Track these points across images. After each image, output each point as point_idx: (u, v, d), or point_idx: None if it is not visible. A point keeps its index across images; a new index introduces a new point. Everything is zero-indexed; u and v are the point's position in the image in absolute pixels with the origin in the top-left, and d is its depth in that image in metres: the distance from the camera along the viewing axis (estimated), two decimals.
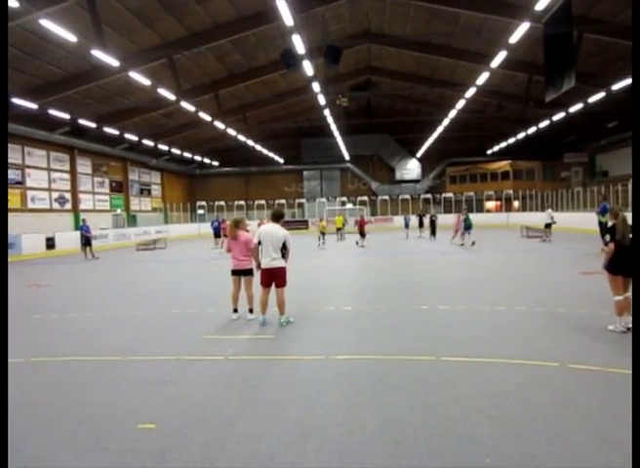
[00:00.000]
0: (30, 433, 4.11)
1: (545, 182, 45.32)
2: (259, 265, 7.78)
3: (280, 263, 7.60)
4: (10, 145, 27.88)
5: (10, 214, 27.15)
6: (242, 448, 3.71)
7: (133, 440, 3.91)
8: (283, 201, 46.71)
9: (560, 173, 47.06)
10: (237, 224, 8.23)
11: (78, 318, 8.83)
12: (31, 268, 18.98)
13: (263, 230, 7.67)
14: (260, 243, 7.63)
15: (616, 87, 22.78)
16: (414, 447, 3.65)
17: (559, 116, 30.67)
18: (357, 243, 24.22)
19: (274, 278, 7.61)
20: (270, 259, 7.55)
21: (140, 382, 5.26)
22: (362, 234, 24.84)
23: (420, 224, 28.98)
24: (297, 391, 4.87)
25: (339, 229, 29.81)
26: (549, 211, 24.64)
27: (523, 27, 17.32)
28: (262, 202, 45.62)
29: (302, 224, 43.52)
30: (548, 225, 23.47)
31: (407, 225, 29.40)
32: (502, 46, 19.88)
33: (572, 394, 4.57)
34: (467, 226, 22.05)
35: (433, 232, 26.82)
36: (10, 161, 28.12)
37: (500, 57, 20.47)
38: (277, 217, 7.81)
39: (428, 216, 28.13)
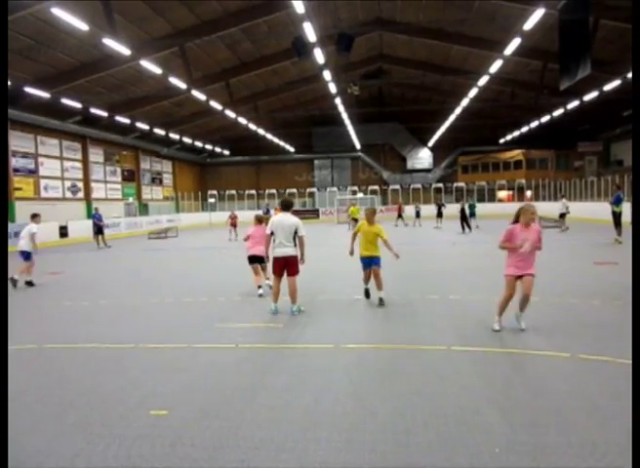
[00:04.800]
0: (44, 419, 4.18)
1: (559, 172, 44.83)
2: (267, 256, 8.03)
3: (292, 252, 7.64)
4: (23, 134, 28.12)
5: (23, 202, 27.47)
6: (253, 435, 3.74)
7: (145, 426, 3.95)
8: (294, 190, 46.66)
9: (574, 162, 46.51)
10: (261, 220, 9.31)
11: (91, 306, 8.93)
12: (44, 256, 19.15)
13: (275, 220, 7.74)
14: (272, 233, 7.71)
15: (632, 74, 22.39)
16: (424, 436, 3.66)
17: (573, 104, 30.27)
18: (406, 225, 30.14)
19: (287, 266, 7.66)
20: (283, 248, 7.61)
21: (152, 369, 5.32)
22: (400, 216, 31.38)
23: (439, 214, 28.42)
24: (307, 379, 4.89)
25: (355, 220, 29.41)
26: (564, 200, 24.42)
27: (538, 14, 17.06)
28: (273, 191, 45.61)
29: (313, 214, 43.42)
30: (563, 215, 23.32)
31: (418, 214, 31.22)
32: (516, 33, 19.59)
33: (583, 385, 4.55)
34: (472, 214, 25.89)
35: (468, 224, 24.00)
36: (23, 150, 28.37)
37: (514, 44, 20.18)
38: (287, 206, 7.89)
39: (458, 206, 25.35)
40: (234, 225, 24.41)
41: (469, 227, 23.92)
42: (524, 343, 5.76)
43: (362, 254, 8.21)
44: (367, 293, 8.52)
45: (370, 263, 8.16)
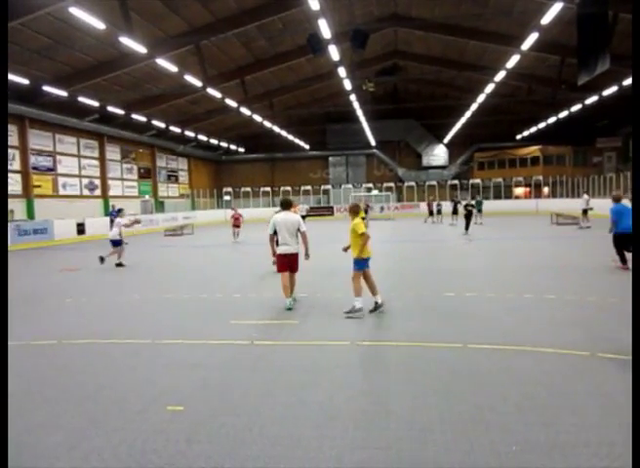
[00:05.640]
0: (63, 413, 4.23)
1: (577, 168, 44.18)
2: (274, 253, 8.30)
3: (296, 249, 8.04)
4: (42, 132, 28.50)
5: (42, 199, 27.88)
6: (268, 432, 3.75)
7: (162, 421, 3.99)
8: (309, 187, 46.66)
9: (592, 158, 45.83)
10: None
11: (109, 301, 9.02)
12: (63, 253, 19.43)
13: (278, 219, 7.97)
14: (275, 232, 8.01)
15: None
16: (440, 433, 3.64)
17: (592, 99, 29.83)
18: (425, 222, 30.07)
19: (292, 263, 8.03)
20: (288, 246, 7.94)
21: (168, 365, 5.36)
22: (431, 213, 30.53)
23: (454, 211, 28.16)
24: (322, 376, 4.89)
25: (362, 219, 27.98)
26: (585, 196, 24.10)
27: (555, 8, 16.80)
28: (288, 188, 45.64)
29: (328, 211, 43.45)
30: (585, 211, 23.01)
31: (439, 211, 30.82)
32: (534, 27, 19.34)
33: (602, 384, 4.50)
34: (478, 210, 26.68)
35: (467, 223, 21.78)
36: (42, 148, 28.75)
37: (532, 39, 19.93)
38: (287, 205, 8.23)
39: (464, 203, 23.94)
40: (237, 226, 20.87)
41: (467, 227, 21.62)
42: (541, 341, 5.69)
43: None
44: (376, 306, 7.42)
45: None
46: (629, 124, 38.17)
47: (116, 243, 14.09)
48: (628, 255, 10.09)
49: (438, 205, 31.47)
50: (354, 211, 7.66)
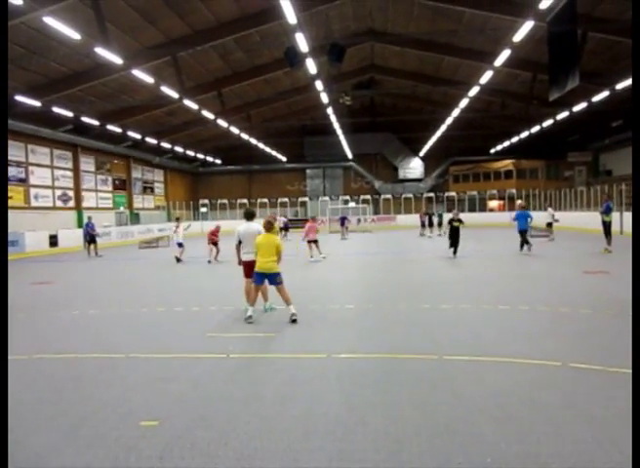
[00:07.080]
0: (34, 429, 4.13)
1: (549, 181, 45.18)
2: (240, 261, 8.57)
3: None
4: (13, 143, 27.97)
5: (13, 211, 27.22)
6: (245, 446, 3.71)
7: (136, 437, 3.91)
8: (286, 199, 46.66)
9: (564, 172, 46.91)
10: (314, 219, 9.52)
11: (82, 315, 8.86)
12: (35, 266, 19.03)
13: (241, 230, 8.39)
14: (240, 242, 8.40)
15: (620, 86, 22.66)
16: (416, 445, 3.65)
17: (563, 115, 30.59)
18: (421, 235, 28.66)
19: None
20: (251, 254, 8.20)
21: (142, 379, 5.28)
22: (423, 225, 29.09)
23: (430, 224, 28.69)
24: (299, 389, 4.87)
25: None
26: (550, 209, 24.65)
27: (527, 26, 17.26)
28: (265, 200, 45.60)
29: (305, 223, 43.45)
30: (550, 224, 23.56)
31: (424, 224, 29.49)
32: (506, 44, 19.81)
33: (574, 394, 4.57)
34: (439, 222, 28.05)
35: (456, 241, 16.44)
36: (13, 158, 28.21)
37: (504, 55, 20.40)
38: (250, 216, 8.69)
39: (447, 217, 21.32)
40: (215, 243, 17.40)
41: (455, 250, 16.45)
42: (515, 352, 5.77)
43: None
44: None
45: None
46: (599, 139, 39.29)
47: (179, 244, 18.01)
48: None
49: (422, 217, 31.03)
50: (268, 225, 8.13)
